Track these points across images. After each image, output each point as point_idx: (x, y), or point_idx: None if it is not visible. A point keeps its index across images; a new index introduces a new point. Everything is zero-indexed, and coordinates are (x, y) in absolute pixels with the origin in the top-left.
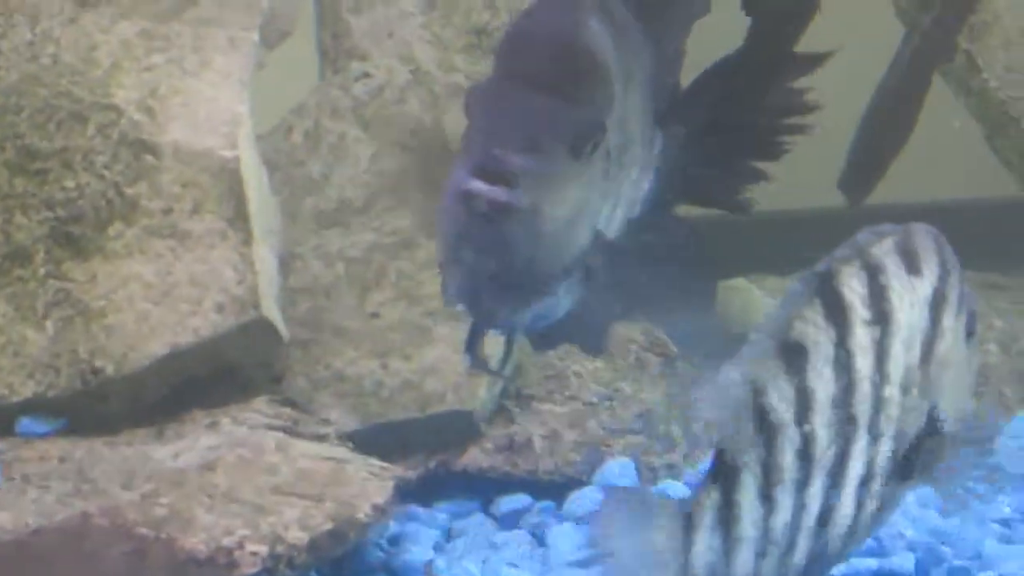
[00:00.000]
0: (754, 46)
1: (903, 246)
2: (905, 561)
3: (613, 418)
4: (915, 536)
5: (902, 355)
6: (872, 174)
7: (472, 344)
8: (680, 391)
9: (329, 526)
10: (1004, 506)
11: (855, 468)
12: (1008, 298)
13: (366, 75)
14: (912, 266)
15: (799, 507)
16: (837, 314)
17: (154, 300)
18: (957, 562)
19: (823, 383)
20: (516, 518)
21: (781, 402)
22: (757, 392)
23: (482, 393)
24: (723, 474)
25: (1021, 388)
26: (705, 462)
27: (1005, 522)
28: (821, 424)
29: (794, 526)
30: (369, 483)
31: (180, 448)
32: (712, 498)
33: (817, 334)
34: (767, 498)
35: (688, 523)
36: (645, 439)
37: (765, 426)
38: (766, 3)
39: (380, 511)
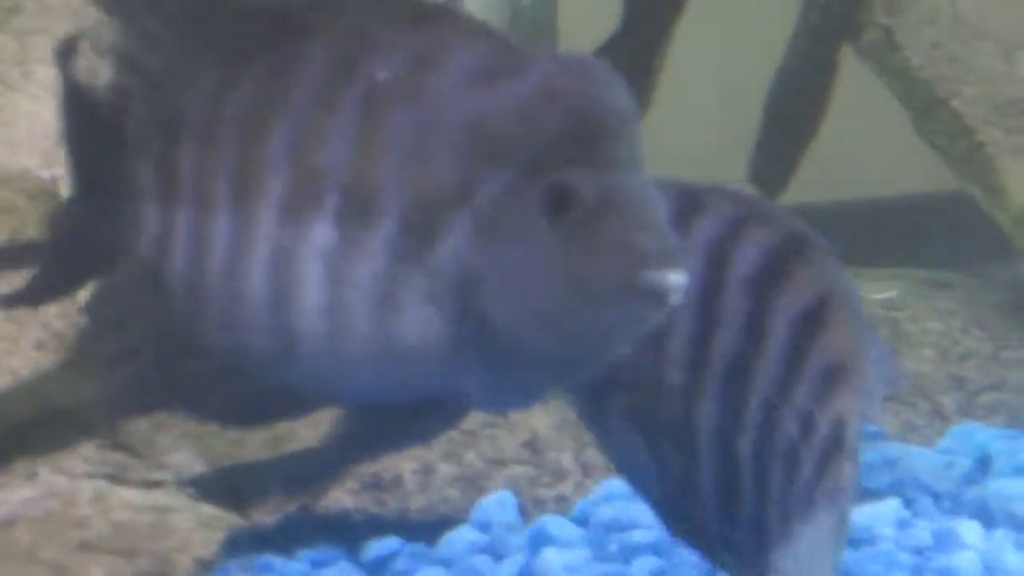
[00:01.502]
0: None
1: None
2: None
3: (495, 448)
4: None
5: None
6: (783, 165)
7: None
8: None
9: None
10: (923, 531)
11: None
12: (953, 297)
13: None
14: None
15: None
16: None
17: None
18: None
19: None
20: (384, 563)
21: None
22: None
23: None
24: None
25: (960, 396)
26: (596, 492)
27: (919, 551)
28: None
29: None
30: (195, 534)
31: None
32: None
33: None
34: None
35: None
36: (532, 469)
37: None
38: None
39: (204, 565)
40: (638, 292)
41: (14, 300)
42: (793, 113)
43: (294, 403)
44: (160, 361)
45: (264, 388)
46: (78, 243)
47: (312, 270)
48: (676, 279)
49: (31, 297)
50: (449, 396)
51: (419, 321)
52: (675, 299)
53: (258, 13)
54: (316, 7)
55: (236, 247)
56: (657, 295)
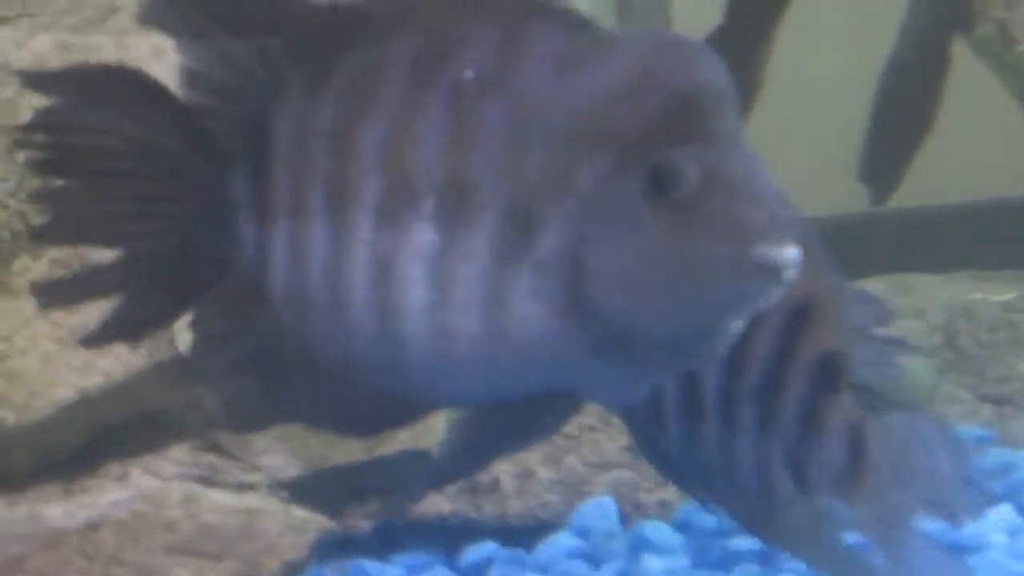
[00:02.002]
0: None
1: None
2: None
3: (596, 452)
4: None
5: None
6: (895, 162)
7: None
8: None
9: None
10: None
11: None
12: None
13: None
14: None
15: None
16: None
17: (60, 340)
18: None
19: None
20: (481, 569)
21: None
22: None
23: (440, 429)
24: None
25: None
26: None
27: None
28: None
29: None
30: (284, 537)
31: (79, 505)
32: None
33: None
34: None
35: None
36: (634, 474)
37: None
38: None
39: (292, 568)
40: (751, 268)
41: (111, 334)
42: (903, 110)
43: (407, 408)
44: (275, 374)
45: (377, 395)
46: (178, 266)
47: (417, 273)
48: (790, 253)
49: (129, 329)
50: (562, 391)
51: (527, 316)
52: (790, 274)
53: (336, 17)
54: (394, 5)
55: (339, 256)
56: (771, 270)
